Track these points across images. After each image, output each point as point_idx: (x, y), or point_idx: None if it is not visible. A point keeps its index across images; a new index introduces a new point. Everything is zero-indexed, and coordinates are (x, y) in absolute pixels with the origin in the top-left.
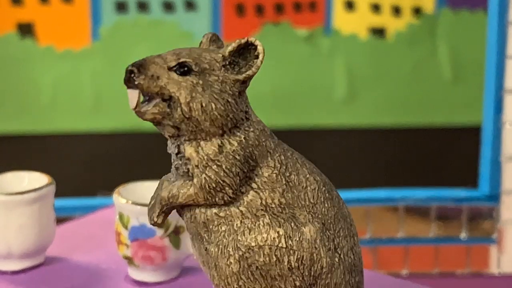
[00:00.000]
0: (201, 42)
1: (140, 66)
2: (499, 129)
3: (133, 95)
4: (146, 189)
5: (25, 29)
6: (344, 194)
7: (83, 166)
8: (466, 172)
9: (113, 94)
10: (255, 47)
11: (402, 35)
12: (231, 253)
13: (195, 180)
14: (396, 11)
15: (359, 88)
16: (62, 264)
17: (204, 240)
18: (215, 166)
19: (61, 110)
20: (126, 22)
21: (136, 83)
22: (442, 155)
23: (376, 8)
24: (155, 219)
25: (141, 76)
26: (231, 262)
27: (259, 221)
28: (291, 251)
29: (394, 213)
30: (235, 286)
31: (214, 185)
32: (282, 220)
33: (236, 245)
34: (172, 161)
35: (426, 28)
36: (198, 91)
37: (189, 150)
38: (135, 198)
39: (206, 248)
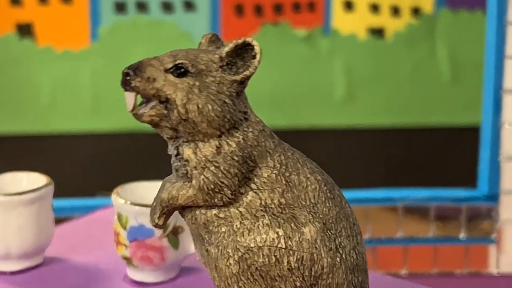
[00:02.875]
0: (200, 43)
1: (136, 69)
2: (498, 129)
3: (130, 98)
4: (144, 189)
5: (24, 30)
6: (343, 194)
7: (81, 167)
8: (465, 172)
9: (112, 94)
10: (252, 47)
11: (401, 35)
12: (231, 254)
13: (193, 181)
14: (395, 11)
15: (358, 88)
16: (60, 264)
17: (205, 241)
18: (213, 167)
19: (60, 110)
20: (125, 23)
21: (132, 85)
22: (441, 155)
23: (375, 8)
24: (156, 221)
25: (137, 78)
26: (230, 263)
27: (258, 222)
28: (291, 252)
29: (393, 213)
30: (235, 287)
31: (212, 187)
32: (282, 221)
33: (236, 246)
34: (172, 162)
35: (425, 28)
36: (195, 93)
37: (187, 151)
38: (133, 198)
39: (207, 249)
